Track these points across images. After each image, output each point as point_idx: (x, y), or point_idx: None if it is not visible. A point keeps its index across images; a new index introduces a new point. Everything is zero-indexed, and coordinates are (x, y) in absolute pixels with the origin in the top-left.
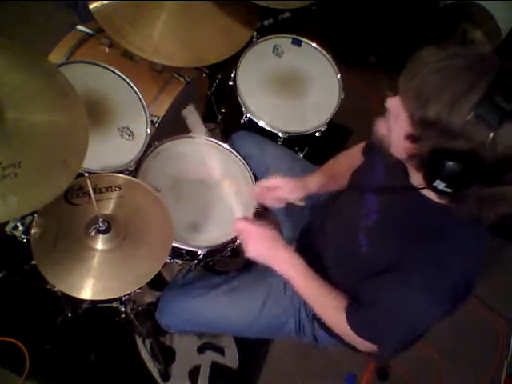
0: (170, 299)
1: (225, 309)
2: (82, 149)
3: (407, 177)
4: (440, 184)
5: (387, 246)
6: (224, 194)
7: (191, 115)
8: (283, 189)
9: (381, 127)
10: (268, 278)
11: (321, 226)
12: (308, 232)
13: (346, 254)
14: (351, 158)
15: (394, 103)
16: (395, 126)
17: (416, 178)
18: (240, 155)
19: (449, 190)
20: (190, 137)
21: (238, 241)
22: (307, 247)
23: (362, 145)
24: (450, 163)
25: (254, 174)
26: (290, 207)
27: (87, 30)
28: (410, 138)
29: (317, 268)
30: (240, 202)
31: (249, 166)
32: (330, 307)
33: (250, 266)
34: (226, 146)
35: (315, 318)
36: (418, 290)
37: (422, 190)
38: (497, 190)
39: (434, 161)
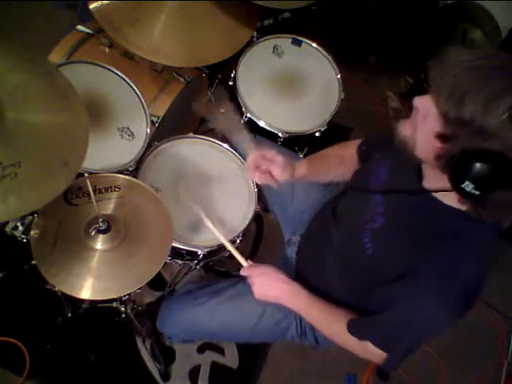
0: (169, 310)
1: (225, 317)
2: (82, 149)
3: (420, 179)
4: (468, 185)
5: (396, 251)
6: (224, 193)
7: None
8: (276, 164)
9: (404, 128)
10: None
11: (324, 228)
12: (310, 234)
13: (350, 256)
14: (340, 155)
15: (423, 102)
16: (423, 126)
17: (431, 181)
18: (240, 155)
19: (476, 193)
20: (190, 137)
21: (237, 241)
22: (309, 250)
23: (355, 143)
24: (481, 164)
25: None
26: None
27: (87, 30)
28: (441, 137)
29: (318, 271)
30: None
31: None
32: (336, 326)
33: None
34: (226, 145)
35: None
36: (433, 298)
37: (435, 194)
38: None
39: (463, 161)
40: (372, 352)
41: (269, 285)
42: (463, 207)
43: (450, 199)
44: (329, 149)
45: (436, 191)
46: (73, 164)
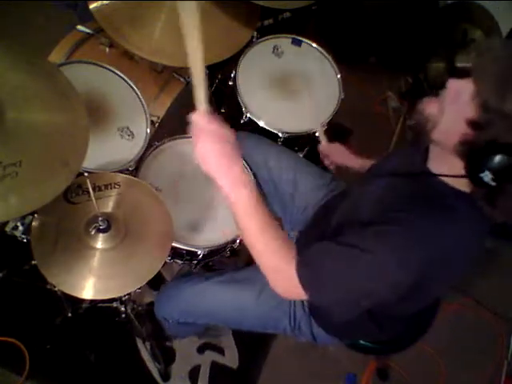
0: (168, 288)
1: (220, 297)
2: (82, 148)
3: (424, 161)
4: (487, 176)
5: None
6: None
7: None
8: (342, 155)
9: (429, 106)
10: None
11: (325, 222)
12: (309, 230)
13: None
14: None
15: (458, 85)
16: (452, 109)
17: (437, 164)
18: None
19: (493, 183)
20: (190, 137)
21: (237, 241)
22: (305, 245)
23: None
24: (506, 157)
25: (254, 174)
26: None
27: (87, 30)
28: (473, 124)
29: None
30: None
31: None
32: (272, 247)
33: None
34: None
35: (313, 316)
36: (393, 249)
37: (432, 169)
38: None
39: (489, 151)
40: (291, 283)
41: (216, 153)
42: (467, 189)
43: (454, 181)
44: None
45: (443, 175)
46: (73, 163)
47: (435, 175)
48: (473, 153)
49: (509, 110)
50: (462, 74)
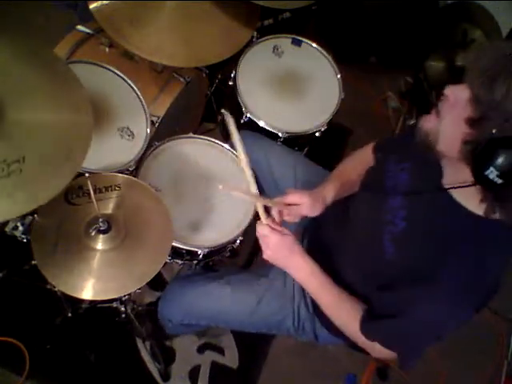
0: (172, 290)
1: (224, 299)
2: (85, 141)
3: (440, 178)
4: (492, 172)
5: (418, 256)
6: (224, 193)
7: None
8: (303, 206)
9: (427, 121)
10: (270, 274)
11: (336, 228)
12: (318, 232)
13: (368, 259)
14: (362, 163)
15: (455, 90)
16: (451, 113)
17: (451, 177)
18: None
19: (499, 181)
20: (190, 137)
21: (237, 241)
22: (317, 248)
23: (370, 146)
24: (507, 150)
25: (254, 173)
26: None
27: (87, 30)
28: (470, 121)
29: (328, 270)
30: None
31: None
32: (346, 316)
33: (249, 266)
34: (226, 146)
35: (317, 316)
36: (450, 303)
37: (457, 198)
38: None
39: (490, 147)
40: (381, 351)
41: (284, 252)
42: (481, 211)
43: (471, 203)
44: (348, 161)
45: (456, 187)
46: (77, 157)
47: (446, 189)
48: (476, 153)
49: (498, 98)
50: (461, 74)
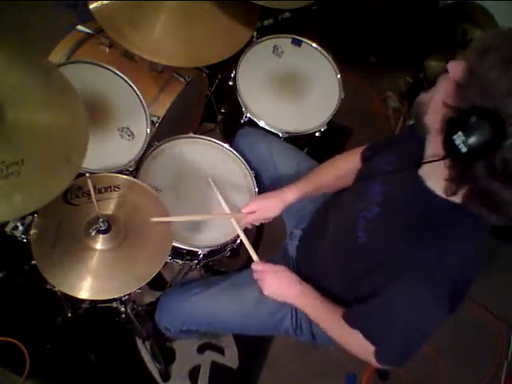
0: (168, 299)
1: (222, 305)
2: (83, 144)
3: (422, 155)
4: (460, 137)
5: (388, 241)
6: (224, 193)
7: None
8: (260, 211)
9: (425, 94)
10: None
11: (323, 221)
12: (310, 228)
13: (343, 245)
14: (341, 166)
15: (455, 63)
16: (444, 83)
17: (431, 152)
18: (245, 152)
19: (464, 149)
20: (190, 137)
21: (238, 241)
22: (308, 242)
23: (355, 153)
24: (478, 117)
25: (254, 173)
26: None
27: (87, 30)
28: (456, 86)
29: (315, 263)
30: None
31: (252, 163)
32: (340, 327)
33: (250, 266)
34: (226, 146)
35: None
36: (416, 290)
37: (427, 182)
38: (508, 195)
39: (465, 114)
40: (367, 349)
41: (281, 284)
42: (453, 198)
43: (438, 186)
44: (329, 163)
45: (423, 162)
46: (75, 159)
47: (415, 166)
48: (451, 119)
49: (485, 71)
50: None
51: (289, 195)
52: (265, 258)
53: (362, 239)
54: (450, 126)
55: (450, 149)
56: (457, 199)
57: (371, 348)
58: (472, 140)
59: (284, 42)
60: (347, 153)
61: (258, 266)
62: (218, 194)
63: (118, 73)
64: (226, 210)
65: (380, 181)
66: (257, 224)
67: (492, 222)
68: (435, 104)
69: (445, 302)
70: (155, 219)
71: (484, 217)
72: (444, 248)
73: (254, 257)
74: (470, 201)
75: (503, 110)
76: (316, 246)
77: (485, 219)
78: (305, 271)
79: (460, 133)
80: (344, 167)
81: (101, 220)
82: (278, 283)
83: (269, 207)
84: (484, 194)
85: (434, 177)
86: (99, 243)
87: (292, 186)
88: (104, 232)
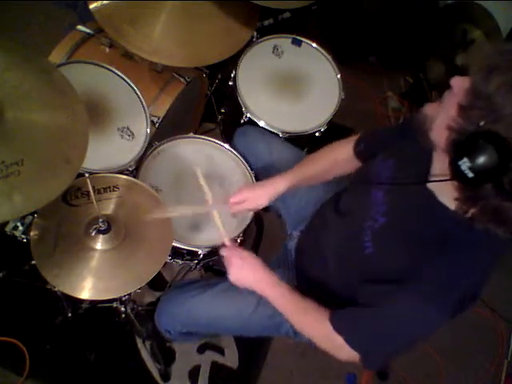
0: (167, 302)
1: (220, 308)
2: (83, 144)
3: (426, 173)
4: (465, 163)
5: (395, 254)
6: (224, 193)
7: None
8: (249, 201)
9: (429, 107)
10: None
11: (324, 224)
12: (310, 229)
13: (347, 252)
14: (332, 156)
15: (459, 79)
16: (450, 101)
17: (437, 171)
18: (244, 150)
19: (471, 174)
20: (190, 137)
21: (238, 241)
22: (308, 244)
23: (348, 142)
24: (483, 142)
25: (254, 173)
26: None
27: (87, 30)
28: (460, 108)
29: (316, 265)
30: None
31: (251, 162)
32: (311, 320)
33: None
34: (226, 145)
35: None
36: (421, 304)
37: (437, 196)
38: None
39: (471, 138)
40: (344, 349)
41: (246, 270)
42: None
43: (448, 201)
44: (319, 153)
45: (431, 181)
46: (75, 160)
47: (423, 182)
48: (457, 143)
49: (490, 91)
50: (461, 74)
51: (279, 185)
52: (265, 258)
53: (369, 250)
54: (456, 150)
55: (456, 173)
56: (467, 215)
57: (339, 340)
58: (478, 165)
59: (284, 41)
60: (338, 143)
61: (225, 251)
62: (204, 184)
63: (118, 73)
64: (210, 199)
65: (384, 189)
66: (247, 212)
67: (498, 235)
68: (441, 122)
69: (448, 315)
70: (148, 216)
71: (491, 231)
72: (457, 265)
73: (226, 239)
74: (479, 218)
75: (509, 132)
76: (316, 248)
77: (491, 233)
78: (304, 271)
79: (465, 159)
80: (334, 157)
81: (101, 220)
82: (245, 270)
83: (258, 196)
84: (493, 213)
85: (446, 193)
86: (99, 243)
87: (282, 175)
88: (104, 232)
